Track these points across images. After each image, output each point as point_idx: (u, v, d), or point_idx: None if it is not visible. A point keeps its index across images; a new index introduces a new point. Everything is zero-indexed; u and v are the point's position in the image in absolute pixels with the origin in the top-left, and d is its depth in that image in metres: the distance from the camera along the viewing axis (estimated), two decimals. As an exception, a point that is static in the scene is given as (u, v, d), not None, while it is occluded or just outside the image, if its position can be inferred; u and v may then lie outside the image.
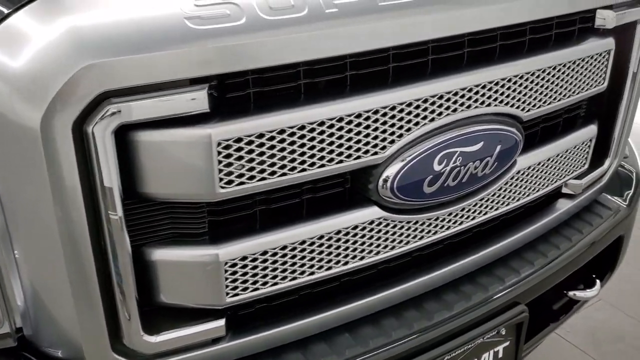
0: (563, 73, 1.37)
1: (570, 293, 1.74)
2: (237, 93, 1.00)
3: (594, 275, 1.78)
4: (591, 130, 1.57)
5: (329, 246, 1.17)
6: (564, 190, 1.65)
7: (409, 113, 1.14)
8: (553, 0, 1.31)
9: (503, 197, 1.40)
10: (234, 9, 0.95)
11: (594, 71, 1.46)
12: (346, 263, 1.21)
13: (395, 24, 1.08)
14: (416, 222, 1.27)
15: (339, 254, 1.19)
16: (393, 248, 1.27)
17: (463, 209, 1.34)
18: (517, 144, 1.33)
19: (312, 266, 1.17)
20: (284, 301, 1.23)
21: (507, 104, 1.28)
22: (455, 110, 1.20)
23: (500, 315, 1.42)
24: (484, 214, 1.39)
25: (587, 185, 1.66)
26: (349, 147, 1.09)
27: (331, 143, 1.07)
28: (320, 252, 1.16)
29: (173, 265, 1.07)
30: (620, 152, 1.73)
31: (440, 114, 1.18)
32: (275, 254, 1.11)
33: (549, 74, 1.33)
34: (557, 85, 1.37)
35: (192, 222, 1.07)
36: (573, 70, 1.39)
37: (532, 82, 1.31)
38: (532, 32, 1.33)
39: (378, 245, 1.24)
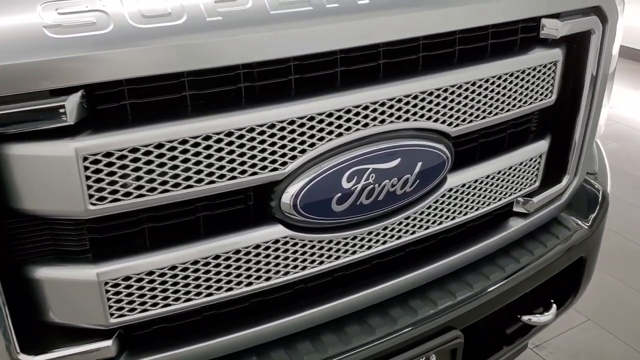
0: (499, 86, 1.29)
1: (525, 318, 1.64)
2: (109, 105, 0.95)
3: (551, 300, 1.68)
4: (540, 146, 1.48)
5: (228, 266, 1.11)
6: (516, 208, 1.56)
7: (312, 127, 1.08)
8: (486, 9, 1.23)
9: (434, 216, 1.33)
10: (100, 17, 0.89)
11: (538, 84, 1.37)
12: (250, 284, 1.15)
13: (293, 34, 1.02)
14: (330, 242, 1.20)
15: (239, 275, 1.13)
16: (305, 268, 1.20)
17: (386, 228, 1.26)
18: (444, 161, 1.25)
19: (209, 287, 1.11)
20: (186, 322, 1.17)
21: (429, 118, 1.20)
22: (366, 125, 1.13)
23: (429, 341, 1.34)
24: (412, 233, 1.31)
25: (542, 204, 1.57)
26: (242, 163, 1.04)
27: (220, 158, 1.01)
28: (218, 273, 1.10)
29: (54, 284, 1.02)
30: (581, 169, 1.63)
31: (348, 128, 1.11)
32: (163, 274, 1.06)
33: (481, 87, 1.26)
34: (492, 99, 1.29)
35: (71, 240, 1.02)
36: (511, 83, 1.31)
37: (460, 95, 1.23)
38: (461, 42, 1.25)
39: (287, 265, 1.17)
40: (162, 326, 1.15)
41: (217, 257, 1.09)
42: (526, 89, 1.34)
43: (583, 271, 1.72)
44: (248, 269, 1.13)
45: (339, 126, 1.10)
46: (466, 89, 1.23)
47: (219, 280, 1.11)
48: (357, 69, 1.15)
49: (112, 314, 1.05)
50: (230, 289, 1.13)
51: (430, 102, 1.19)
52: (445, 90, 1.20)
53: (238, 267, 1.12)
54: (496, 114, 1.31)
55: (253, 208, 1.13)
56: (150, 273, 1.05)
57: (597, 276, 2.95)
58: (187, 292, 1.09)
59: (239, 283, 1.14)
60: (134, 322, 1.08)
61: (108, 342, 1.07)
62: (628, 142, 4.60)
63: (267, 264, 1.15)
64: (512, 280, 1.48)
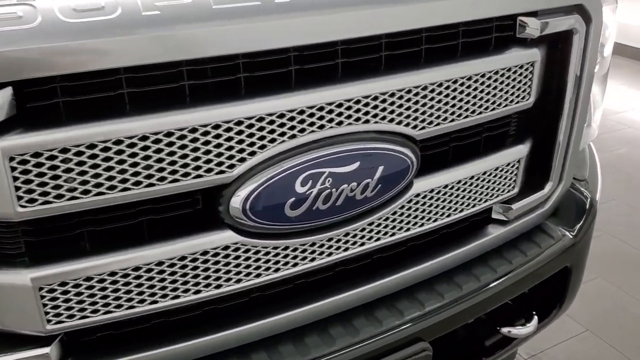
0: (469, 87, 1.23)
1: (504, 329, 1.58)
2: (40, 102, 0.91)
3: (533, 312, 1.61)
4: (518, 150, 1.41)
5: (173, 273, 1.06)
6: (494, 215, 1.49)
7: (261, 129, 1.03)
8: (455, 6, 1.17)
9: (400, 222, 1.27)
10: (27, 11, 0.85)
11: (514, 85, 1.31)
12: (198, 292, 1.10)
13: (239, 30, 0.97)
14: (286, 248, 1.15)
15: (186, 282, 1.08)
16: (259, 275, 1.15)
17: (347, 234, 1.21)
18: (409, 166, 1.19)
19: (153, 294, 1.06)
20: (134, 329, 1.13)
21: (392, 121, 1.15)
22: (322, 127, 1.08)
23: (394, 353, 1.28)
24: (377, 240, 1.26)
25: (522, 211, 1.51)
26: (185, 165, 0.99)
27: (159, 160, 0.97)
28: (162, 280, 1.06)
29: (-13, 288, 0.98)
30: (567, 175, 1.56)
31: (302, 130, 1.06)
32: (103, 280, 1.01)
33: (448, 88, 1.20)
34: (461, 101, 1.23)
35: (6, 242, 0.98)
36: (483, 84, 1.25)
37: (425, 97, 1.17)
38: (428, 41, 1.19)
39: (239, 273, 1.12)
40: (109, 333, 1.11)
41: (160, 263, 1.04)
42: (500, 90, 1.28)
43: (568, 282, 1.65)
44: (195, 276, 1.08)
45: (292, 127, 1.05)
46: (432, 90, 1.17)
47: (163, 288, 1.07)
48: (315, 67, 1.09)
49: (49, 320, 1.01)
50: (176, 297, 1.09)
51: (392, 103, 1.13)
52: (409, 92, 1.14)
53: (184, 274, 1.07)
54: (466, 116, 1.25)
55: (201, 213, 1.08)
56: (89, 279, 1.00)
57: (596, 283, 2.87)
58: (130, 299, 1.05)
59: (186, 290, 1.09)
60: (75, 329, 1.04)
61: (46, 349, 1.03)
62: (634, 144, 4.48)
63: (217, 271, 1.10)
64: (487, 290, 1.42)
